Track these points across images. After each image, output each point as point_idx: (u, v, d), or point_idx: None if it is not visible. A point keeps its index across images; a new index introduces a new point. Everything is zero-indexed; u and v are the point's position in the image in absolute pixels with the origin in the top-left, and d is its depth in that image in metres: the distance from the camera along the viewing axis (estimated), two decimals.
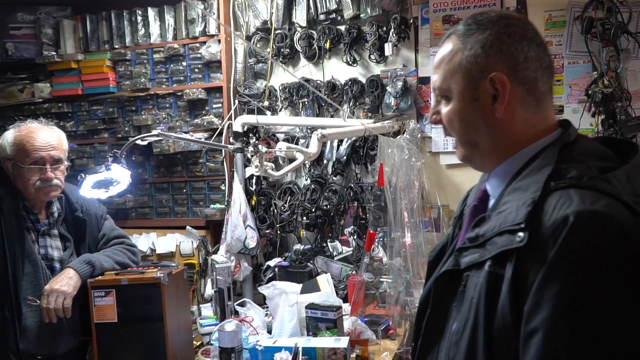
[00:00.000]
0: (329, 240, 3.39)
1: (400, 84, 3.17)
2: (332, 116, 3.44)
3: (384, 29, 3.26)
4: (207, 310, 3.01)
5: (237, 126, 3.31)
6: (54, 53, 3.78)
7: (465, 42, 1.10)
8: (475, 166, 1.20)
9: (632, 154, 1.06)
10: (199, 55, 3.56)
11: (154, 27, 3.67)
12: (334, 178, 3.41)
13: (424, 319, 1.17)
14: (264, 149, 2.76)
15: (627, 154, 1.06)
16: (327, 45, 3.37)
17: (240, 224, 3.23)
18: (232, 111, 3.49)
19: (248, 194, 3.43)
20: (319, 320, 2.46)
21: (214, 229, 3.57)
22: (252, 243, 3.24)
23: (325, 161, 3.43)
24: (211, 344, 2.53)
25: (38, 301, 2.12)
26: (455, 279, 1.08)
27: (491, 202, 1.17)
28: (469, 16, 1.14)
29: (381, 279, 2.97)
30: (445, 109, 1.16)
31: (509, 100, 1.07)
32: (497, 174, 1.14)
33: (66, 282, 2.15)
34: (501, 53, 1.07)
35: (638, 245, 0.88)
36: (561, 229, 0.89)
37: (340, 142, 3.36)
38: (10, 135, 2.23)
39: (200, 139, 3.33)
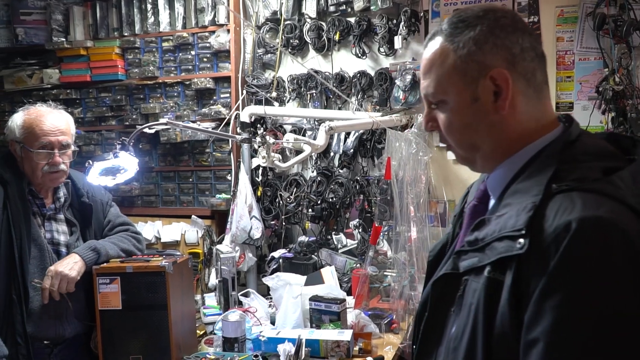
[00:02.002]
0: (333, 232, 3.38)
1: (409, 77, 3.15)
2: (339, 108, 3.43)
3: (394, 21, 3.24)
4: (211, 299, 3.02)
5: (244, 116, 3.30)
6: (64, 39, 3.78)
7: (455, 41, 1.05)
8: (475, 168, 1.16)
9: (636, 151, 1.02)
10: (207, 45, 3.55)
11: (164, 16, 3.66)
12: (340, 170, 3.40)
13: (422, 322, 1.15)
14: (272, 140, 2.76)
15: (630, 151, 1.03)
16: (337, 37, 3.35)
17: (245, 215, 3.23)
18: (240, 101, 3.48)
19: (254, 184, 3.43)
20: (322, 313, 2.47)
21: (219, 218, 3.57)
22: (257, 234, 3.25)
23: (332, 153, 3.41)
24: (214, 334, 2.53)
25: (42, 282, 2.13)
26: (454, 282, 1.04)
27: (491, 203, 1.13)
28: (452, 15, 1.09)
29: (385, 273, 2.96)
30: (442, 114, 1.10)
31: (511, 95, 1.02)
32: (498, 174, 1.10)
33: (71, 266, 2.16)
34: (497, 47, 1.02)
35: None
36: (563, 236, 0.85)
37: (348, 134, 3.35)
38: (19, 117, 2.23)
39: (207, 128, 3.33)
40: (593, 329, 0.83)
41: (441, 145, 3.24)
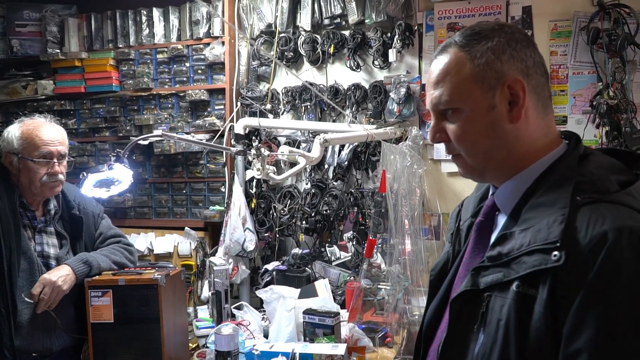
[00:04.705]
0: (327, 245, 3.37)
1: (403, 90, 3.16)
2: (334, 121, 3.43)
3: (389, 35, 3.25)
4: (204, 312, 3.00)
5: (238, 128, 3.30)
6: (58, 51, 3.78)
7: (472, 51, 1.06)
8: (482, 180, 1.16)
9: (637, 166, 1.04)
10: (202, 57, 3.55)
11: (158, 28, 3.66)
12: (334, 183, 3.39)
13: (432, 341, 1.14)
14: (266, 152, 2.75)
15: (633, 165, 1.05)
16: (331, 50, 3.36)
17: (239, 227, 3.22)
18: (234, 113, 3.48)
19: (248, 196, 3.42)
20: (316, 326, 2.45)
21: (213, 230, 3.56)
22: (250, 246, 3.23)
23: (326, 166, 3.41)
24: (207, 347, 2.51)
25: (30, 300, 2.11)
26: (474, 299, 1.03)
27: (500, 218, 1.13)
28: (465, 28, 1.11)
29: (379, 286, 2.95)
30: (453, 124, 1.10)
31: (526, 105, 1.05)
32: (507, 188, 1.10)
33: (64, 278, 2.14)
34: (513, 58, 1.05)
35: None
36: (600, 246, 0.87)
37: (342, 147, 3.34)
38: (16, 129, 2.24)
39: (201, 140, 3.32)
40: (638, 336, 0.84)
41: (435, 157, 3.25)
